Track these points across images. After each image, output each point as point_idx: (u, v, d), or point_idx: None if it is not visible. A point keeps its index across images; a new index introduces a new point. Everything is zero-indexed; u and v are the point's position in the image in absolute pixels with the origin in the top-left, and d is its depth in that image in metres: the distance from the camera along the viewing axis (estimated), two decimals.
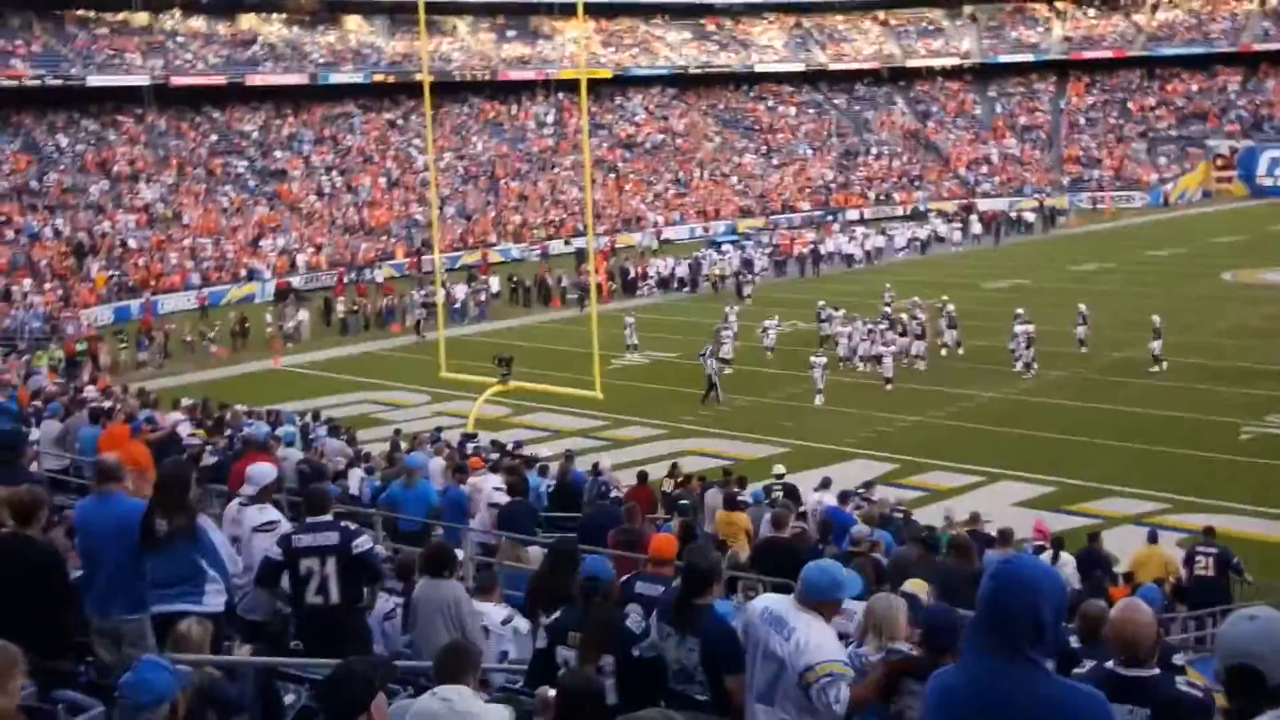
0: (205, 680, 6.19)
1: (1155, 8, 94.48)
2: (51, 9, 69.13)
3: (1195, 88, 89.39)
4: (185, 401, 26.17)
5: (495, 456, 22.04)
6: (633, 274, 55.62)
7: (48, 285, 51.88)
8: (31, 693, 5.39)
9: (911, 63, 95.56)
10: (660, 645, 6.76)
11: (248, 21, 77.32)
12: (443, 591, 9.07)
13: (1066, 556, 16.78)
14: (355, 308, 50.18)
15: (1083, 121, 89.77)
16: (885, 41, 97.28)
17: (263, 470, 10.21)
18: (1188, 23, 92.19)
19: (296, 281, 57.33)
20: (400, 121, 78.21)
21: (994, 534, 16.31)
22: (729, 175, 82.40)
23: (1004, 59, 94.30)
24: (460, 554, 10.94)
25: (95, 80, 65.48)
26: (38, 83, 63.70)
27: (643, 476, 19.47)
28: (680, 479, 21.61)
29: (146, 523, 7.49)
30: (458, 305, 49.50)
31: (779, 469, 22.63)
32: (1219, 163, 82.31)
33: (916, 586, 8.66)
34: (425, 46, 40.84)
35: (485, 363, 32.65)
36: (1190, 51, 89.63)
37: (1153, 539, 18.11)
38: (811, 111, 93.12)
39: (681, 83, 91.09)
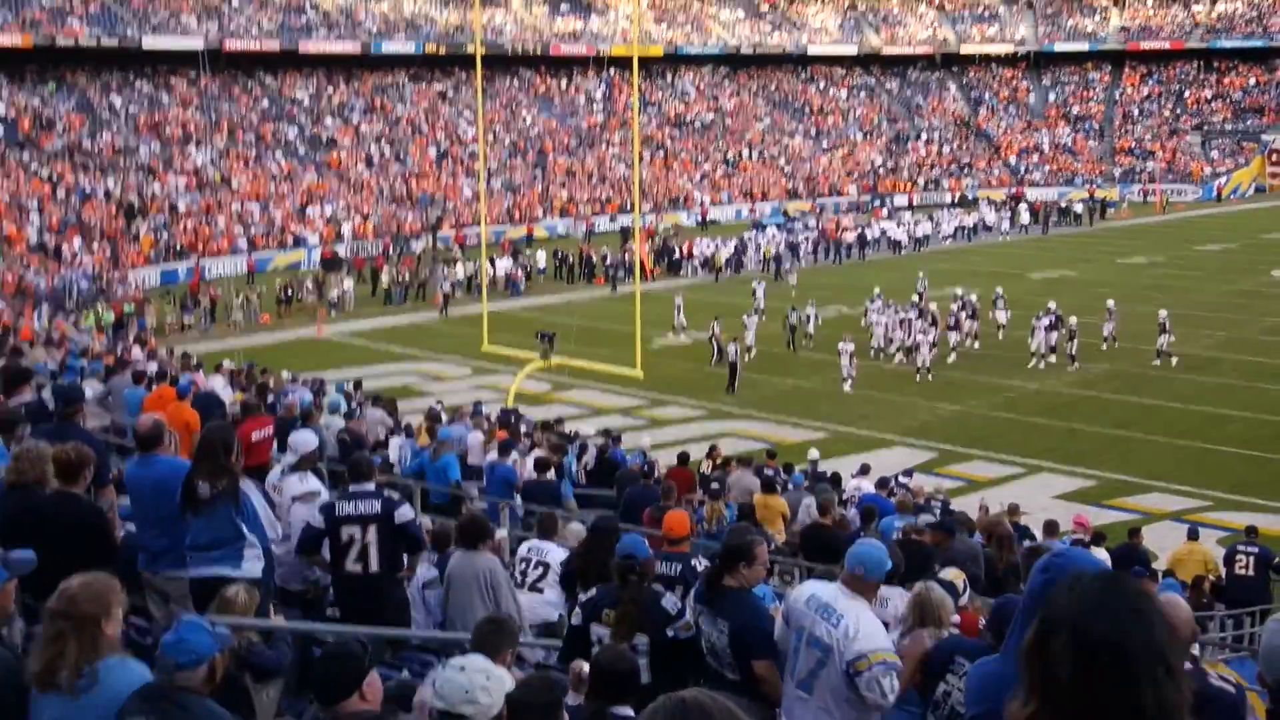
0: (244, 644, 6.25)
1: (1214, 0, 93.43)
2: None
3: (1253, 81, 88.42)
4: (227, 364, 26.32)
5: (536, 430, 22.10)
6: (678, 254, 55.52)
7: (96, 245, 52.31)
8: None
9: (966, 49, 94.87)
10: (695, 624, 6.76)
11: None
12: (477, 563, 9.12)
13: (1101, 552, 16.70)
14: (401, 279, 50.38)
15: (1137, 113, 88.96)
16: (939, 26, 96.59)
17: (304, 438, 10.24)
18: (1247, 15, 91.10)
19: (342, 250, 57.57)
20: (450, 93, 78.27)
21: (1025, 525, 16.23)
22: (777, 157, 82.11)
23: (1060, 47, 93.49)
24: (502, 531, 10.98)
25: (150, 42, 65.79)
26: (94, 43, 64.08)
27: (683, 458, 19.44)
28: (719, 460, 21.60)
29: (188, 485, 7.53)
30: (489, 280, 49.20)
31: (814, 453, 22.62)
32: (1274, 158, 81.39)
33: (954, 575, 8.67)
34: (478, 18, 40.79)
35: (528, 338, 32.74)
36: (1249, 44, 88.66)
37: (1193, 536, 17.99)
38: (863, 95, 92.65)
39: (733, 62, 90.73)
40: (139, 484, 7.98)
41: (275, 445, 11.00)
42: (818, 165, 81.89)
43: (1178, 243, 59.89)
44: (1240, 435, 28.51)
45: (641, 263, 40.14)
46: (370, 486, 8.95)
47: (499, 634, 5.61)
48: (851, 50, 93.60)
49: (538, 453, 17.25)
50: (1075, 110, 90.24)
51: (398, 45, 76.02)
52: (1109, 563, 15.60)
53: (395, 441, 19.52)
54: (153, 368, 20.71)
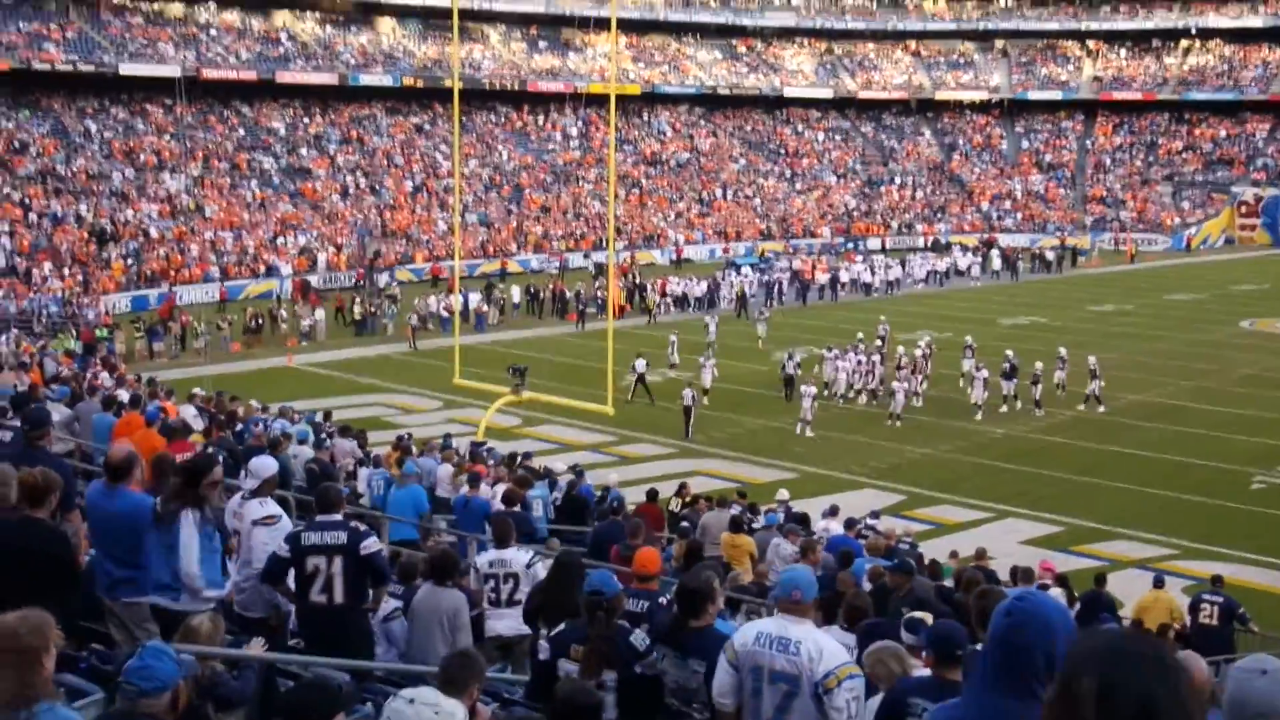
0: (208, 672, 6.20)
1: (1187, 52, 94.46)
2: None
3: (1223, 133, 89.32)
4: (198, 391, 26.18)
5: (501, 465, 22.02)
6: (650, 291, 55.58)
7: (67, 270, 52.07)
8: None
9: (941, 94, 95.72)
10: (660, 666, 6.75)
11: (281, 18, 77.62)
12: (443, 601, 9.15)
13: (1059, 593, 16.76)
14: (372, 309, 50.21)
15: (1108, 162, 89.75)
16: (915, 72, 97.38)
17: (263, 463, 10.16)
18: (1218, 69, 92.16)
19: (314, 280, 57.48)
20: (427, 126, 78.43)
21: (993, 570, 16.26)
22: (752, 197, 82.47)
23: (1033, 95, 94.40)
24: (480, 560, 10.95)
25: (127, 69, 65.76)
26: (70, 68, 64.03)
27: (652, 494, 19.44)
28: (688, 498, 21.57)
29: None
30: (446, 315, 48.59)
31: (783, 494, 22.62)
32: (1243, 210, 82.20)
33: (924, 617, 8.67)
34: (456, 53, 40.86)
35: (498, 371, 32.68)
36: (1219, 97, 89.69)
37: (1159, 584, 18.02)
38: (838, 138, 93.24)
39: (709, 102, 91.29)
40: (101, 513, 7.93)
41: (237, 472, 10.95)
42: (792, 206, 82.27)
43: (1148, 292, 60.34)
44: (1207, 484, 28.62)
45: (614, 300, 40.12)
46: (337, 517, 8.89)
47: (468, 668, 5.57)
48: (827, 93, 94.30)
49: (502, 487, 17.18)
50: (1048, 158, 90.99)
51: (375, 78, 76.16)
52: (1065, 603, 15.64)
53: (364, 472, 19.44)
54: (122, 394, 20.56)
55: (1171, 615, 17.10)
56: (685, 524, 16.64)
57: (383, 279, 57.78)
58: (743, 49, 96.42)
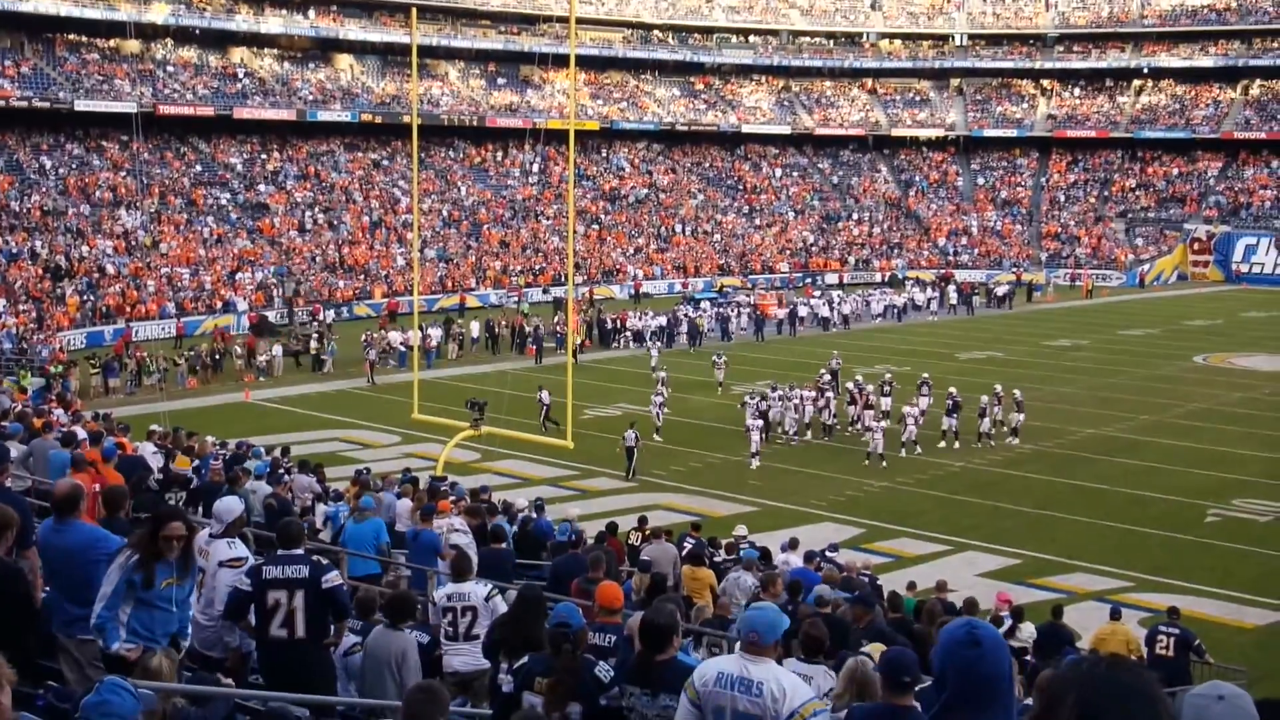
0: (170, 709, 6.15)
1: (1139, 91, 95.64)
2: (43, 32, 69.14)
3: (1176, 171, 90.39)
4: (156, 428, 25.98)
5: (464, 500, 21.95)
6: (610, 326, 55.68)
7: (22, 307, 51.63)
8: None
9: (897, 131, 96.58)
10: (629, 704, 6.71)
11: (239, 54, 77.48)
12: (393, 643, 9.18)
13: (1029, 627, 16.88)
14: (297, 346, 49.92)
15: (1063, 199, 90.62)
16: (872, 109, 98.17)
17: (228, 504, 10.10)
18: (1171, 107, 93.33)
19: (272, 316, 57.22)
20: (385, 162, 78.38)
21: (952, 603, 16.34)
22: (710, 233, 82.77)
23: (989, 133, 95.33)
24: (439, 594, 10.93)
25: (83, 105, 65.48)
26: (24, 104, 63.68)
27: (612, 528, 19.42)
28: (648, 532, 21.54)
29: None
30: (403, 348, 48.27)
31: (741, 529, 22.61)
32: (1195, 247, 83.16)
33: (875, 649, 8.70)
34: (415, 89, 40.86)
35: (456, 405, 32.59)
36: (1172, 135, 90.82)
37: (1115, 615, 18.13)
38: (795, 174, 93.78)
39: (668, 139, 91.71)
40: (53, 549, 7.87)
41: (201, 511, 10.89)
42: (750, 242, 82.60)
43: (1102, 327, 60.86)
44: (1162, 518, 28.83)
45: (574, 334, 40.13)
46: (299, 551, 8.87)
47: (432, 703, 5.55)
48: (785, 130, 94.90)
49: (460, 520, 17.09)
50: (1003, 194, 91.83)
51: (333, 114, 76.11)
52: (1030, 638, 15.72)
53: (321, 508, 19.35)
54: (78, 430, 20.39)
55: (1128, 647, 17.19)
56: (646, 558, 16.62)
57: (300, 316, 56.73)
58: (701, 86, 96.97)
